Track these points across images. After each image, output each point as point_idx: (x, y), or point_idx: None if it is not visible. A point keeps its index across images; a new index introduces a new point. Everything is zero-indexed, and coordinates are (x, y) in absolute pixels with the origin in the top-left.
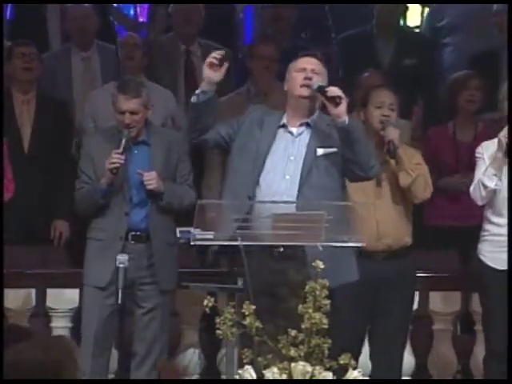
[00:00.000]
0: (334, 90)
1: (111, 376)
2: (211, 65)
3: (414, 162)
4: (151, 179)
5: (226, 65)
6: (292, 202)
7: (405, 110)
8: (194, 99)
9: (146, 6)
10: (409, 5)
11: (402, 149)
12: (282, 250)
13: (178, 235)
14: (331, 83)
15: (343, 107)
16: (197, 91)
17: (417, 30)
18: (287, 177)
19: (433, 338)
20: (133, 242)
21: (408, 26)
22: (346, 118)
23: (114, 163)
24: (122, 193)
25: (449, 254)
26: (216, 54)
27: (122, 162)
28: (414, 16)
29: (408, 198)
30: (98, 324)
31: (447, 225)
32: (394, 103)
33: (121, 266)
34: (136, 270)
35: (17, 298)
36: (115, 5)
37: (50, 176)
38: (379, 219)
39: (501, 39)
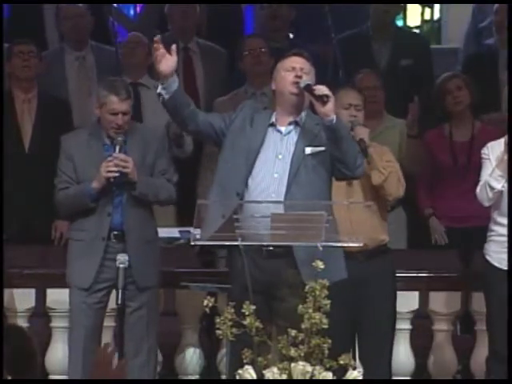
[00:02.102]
0: (321, 89)
1: None
2: (158, 57)
3: (385, 160)
4: (128, 162)
5: (174, 53)
6: (278, 202)
7: (401, 110)
8: (160, 100)
9: (140, 5)
10: (408, 5)
11: (372, 147)
12: (270, 248)
13: (178, 235)
14: (331, 83)
15: (331, 105)
16: (157, 91)
17: (416, 30)
18: (276, 175)
19: (433, 338)
20: (115, 240)
21: (407, 26)
22: (333, 117)
23: (111, 172)
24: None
25: (449, 254)
26: (155, 43)
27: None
28: (414, 16)
29: (381, 196)
30: (86, 324)
31: (447, 226)
32: (359, 104)
33: (121, 266)
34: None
35: (17, 298)
36: (115, 5)
37: (50, 175)
38: (353, 219)
39: (498, 38)
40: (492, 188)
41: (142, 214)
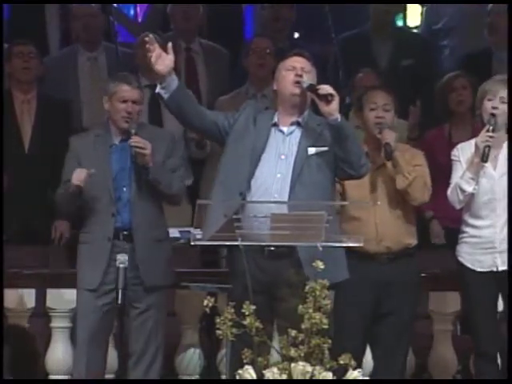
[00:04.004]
0: (325, 88)
1: (111, 376)
2: (153, 57)
3: (413, 164)
4: (146, 144)
5: (170, 51)
6: (285, 203)
7: (401, 110)
8: (162, 102)
9: (144, 5)
10: (408, 5)
11: (400, 151)
12: (272, 248)
13: (178, 235)
14: (331, 83)
15: (335, 105)
16: (156, 90)
17: (415, 30)
18: (278, 175)
19: (433, 338)
20: (123, 241)
21: (407, 26)
22: (338, 116)
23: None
24: (109, 194)
25: (449, 254)
26: (148, 43)
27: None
28: (414, 16)
29: (406, 201)
30: (93, 325)
31: (447, 226)
32: (388, 103)
33: (121, 266)
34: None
35: (17, 298)
36: (115, 5)
37: (50, 176)
38: (378, 222)
39: (491, 40)
40: (463, 191)
41: (150, 212)
